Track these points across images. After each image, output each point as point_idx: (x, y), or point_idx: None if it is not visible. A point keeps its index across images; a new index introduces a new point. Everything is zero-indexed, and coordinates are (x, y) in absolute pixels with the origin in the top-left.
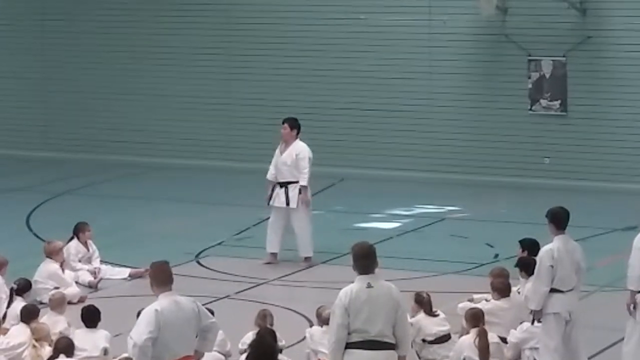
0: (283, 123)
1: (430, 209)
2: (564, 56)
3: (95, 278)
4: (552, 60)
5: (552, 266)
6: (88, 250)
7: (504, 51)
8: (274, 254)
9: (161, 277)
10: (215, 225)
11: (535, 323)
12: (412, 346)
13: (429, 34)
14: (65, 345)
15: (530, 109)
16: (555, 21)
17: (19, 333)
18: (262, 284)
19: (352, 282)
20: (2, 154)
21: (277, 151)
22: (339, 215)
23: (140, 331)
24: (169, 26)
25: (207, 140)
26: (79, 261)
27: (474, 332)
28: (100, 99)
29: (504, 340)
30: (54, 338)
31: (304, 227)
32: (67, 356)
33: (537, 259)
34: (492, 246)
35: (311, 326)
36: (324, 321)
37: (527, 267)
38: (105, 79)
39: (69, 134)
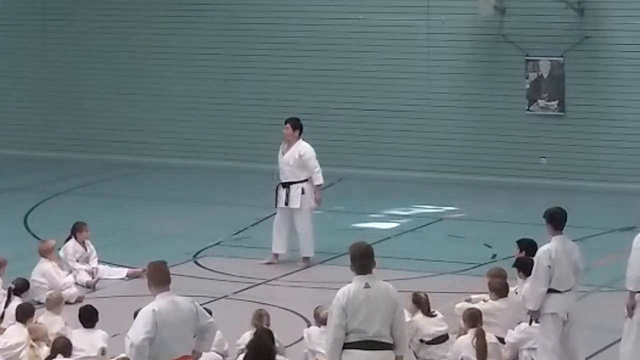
0: (285, 123)
1: (428, 209)
2: (561, 56)
3: (92, 278)
4: (550, 61)
5: (549, 266)
6: (86, 250)
7: (502, 51)
8: (276, 255)
9: (159, 277)
10: (214, 225)
11: (533, 323)
12: (409, 346)
13: (427, 34)
14: (62, 345)
15: (528, 109)
16: (553, 21)
17: (17, 333)
18: (260, 284)
19: (350, 282)
20: (2, 153)
21: (280, 151)
22: (337, 215)
23: (137, 331)
24: (168, 26)
25: (206, 140)
26: (77, 261)
27: (471, 332)
28: (100, 99)
29: (501, 340)
30: (52, 338)
31: (306, 227)
32: (65, 356)
33: (535, 259)
34: (489, 246)
35: (309, 326)
36: (321, 321)
37: (524, 267)
38: (105, 79)
39: (68, 134)
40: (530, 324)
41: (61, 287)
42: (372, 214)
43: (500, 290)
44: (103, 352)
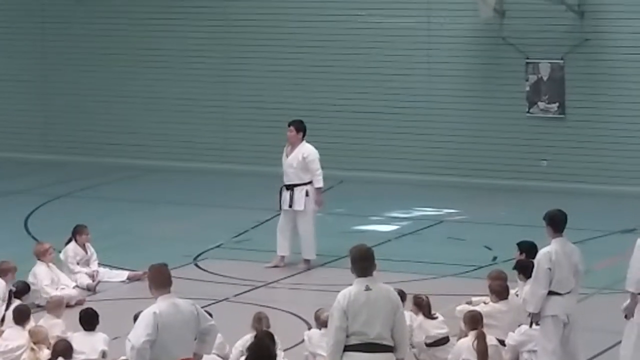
0: (289, 126)
1: (428, 211)
2: (561, 59)
3: (93, 281)
4: (550, 63)
5: (550, 269)
6: (86, 252)
7: (502, 54)
8: (282, 257)
9: (160, 279)
10: (214, 227)
11: (534, 326)
12: (410, 349)
13: (428, 37)
14: (63, 348)
15: (528, 112)
16: (553, 24)
17: (17, 336)
18: (260, 286)
19: (351, 284)
20: (2, 156)
21: (284, 154)
22: (337, 218)
23: (138, 334)
24: (166, 29)
25: (204, 142)
26: (77, 264)
27: (472, 334)
28: (99, 102)
29: (502, 342)
30: (53, 341)
31: (309, 230)
32: (66, 359)
33: (535, 261)
34: (490, 249)
35: (309, 329)
36: (322, 324)
37: (525, 269)
38: (104, 82)
39: (68, 137)
40: (531, 326)
41: (43, 287)
42: (373, 217)
43: (500, 292)
44: (104, 355)
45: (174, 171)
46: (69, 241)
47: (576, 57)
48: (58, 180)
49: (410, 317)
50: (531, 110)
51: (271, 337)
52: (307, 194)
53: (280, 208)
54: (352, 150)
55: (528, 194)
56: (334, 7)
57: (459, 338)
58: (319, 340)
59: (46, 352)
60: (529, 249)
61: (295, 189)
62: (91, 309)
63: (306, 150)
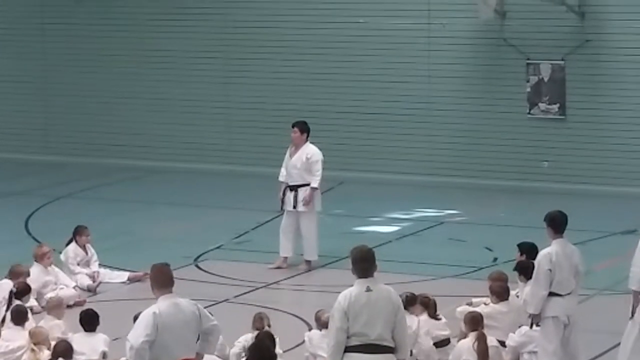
0: (293, 127)
1: (429, 212)
2: (562, 60)
3: (94, 282)
4: (551, 64)
5: (550, 270)
6: (87, 253)
7: (503, 55)
8: (285, 258)
9: (161, 279)
10: (215, 228)
11: (534, 327)
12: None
13: (428, 38)
14: (63, 349)
15: (529, 113)
16: (553, 25)
17: (18, 336)
18: (261, 287)
19: (351, 285)
20: (2, 157)
21: (287, 154)
22: (338, 219)
23: (137, 334)
24: (168, 30)
25: (206, 143)
26: (78, 264)
27: (472, 335)
28: (100, 103)
29: (502, 344)
30: (53, 342)
31: (312, 231)
32: (65, 359)
33: (536, 262)
34: (490, 250)
35: (310, 330)
36: (323, 325)
37: (525, 270)
38: (105, 83)
39: (69, 138)
40: (531, 327)
41: (39, 288)
42: (373, 218)
43: (501, 293)
44: (104, 355)
45: (175, 172)
46: (70, 242)
47: (577, 58)
48: (58, 181)
49: (418, 323)
50: (532, 112)
51: (271, 337)
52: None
53: (283, 209)
54: (352, 151)
55: (529, 195)
56: (336, 10)
57: (459, 339)
58: (319, 341)
59: (46, 353)
60: (529, 250)
61: (299, 189)
62: (91, 309)
63: (310, 151)
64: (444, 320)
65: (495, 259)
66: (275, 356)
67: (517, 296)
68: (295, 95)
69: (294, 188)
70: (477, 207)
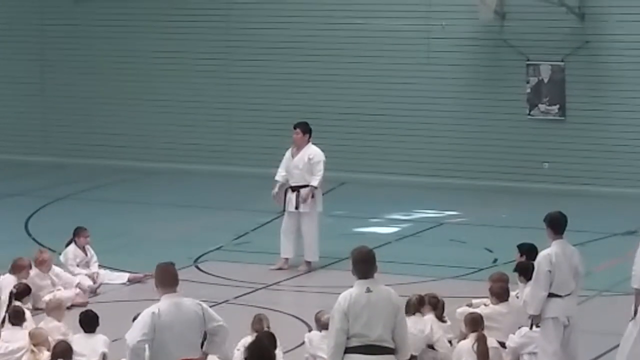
0: (295, 128)
1: (429, 213)
2: (562, 61)
3: (94, 282)
4: (551, 65)
5: (550, 271)
6: (86, 254)
7: (503, 56)
8: (286, 259)
9: (164, 278)
10: (215, 229)
11: (534, 328)
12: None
13: (428, 39)
14: (62, 350)
15: (529, 114)
16: (553, 26)
17: (18, 337)
18: (261, 288)
19: (351, 286)
20: (2, 158)
21: (288, 155)
22: (338, 220)
23: (134, 333)
24: (169, 31)
25: (207, 145)
26: (77, 266)
27: (472, 337)
28: (100, 104)
29: (502, 345)
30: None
31: (313, 232)
32: None
33: (535, 263)
34: (490, 251)
35: (310, 331)
36: (323, 326)
37: (525, 271)
38: (104, 84)
39: (68, 139)
40: (531, 328)
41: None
42: (373, 219)
43: (500, 294)
44: (104, 357)
45: (175, 173)
46: (69, 243)
47: (577, 59)
48: (58, 182)
49: (431, 327)
50: (532, 113)
51: (271, 337)
52: (312, 196)
53: (285, 210)
54: (353, 152)
55: (529, 196)
56: (337, 12)
57: (459, 340)
58: (319, 342)
59: (46, 354)
60: (529, 251)
61: (301, 190)
62: (91, 310)
63: (312, 152)
64: (449, 322)
65: (495, 260)
66: (273, 356)
67: (517, 297)
68: (296, 97)
69: (296, 189)
70: (477, 208)
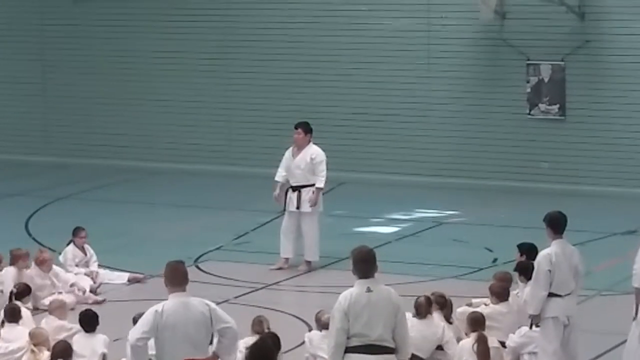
0: (296, 128)
1: (429, 213)
2: (562, 60)
3: (94, 282)
4: (551, 65)
5: (550, 271)
6: (85, 254)
7: (503, 55)
8: (286, 259)
9: (173, 277)
10: (215, 229)
11: (534, 327)
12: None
13: (427, 38)
14: (62, 349)
15: (529, 113)
16: (553, 25)
17: (18, 337)
18: (261, 288)
19: (352, 286)
20: (3, 158)
21: (289, 155)
22: (338, 220)
23: (135, 331)
24: (168, 31)
25: (206, 144)
26: (76, 265)
27: (473, 336)
28: (101, 104)
29: (503, 344)
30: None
31: (313, 231)
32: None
33: (535, 263)
34: (491, 250)
35: (310, 330)
36: (323, 325)
37: (525, 271)
38: (105, 84)
39: (69, 139)
40: (531, 328)
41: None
42: (373, 218)
43: (500, 294)
44: (104, 357)
45: (176, 173)
46: (69, 243)
47: (577, 58)
48: (59, 182)
49: (444, 330)
50: (532, 112)
51: (275, 339)
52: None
53: (285, 209)
54: (352, 152)
55: (529, 195)
56: (335, 11)
57: (459, 340)
58: (319, 342)
59: (46, 354)
60: (529, 251)
61: (302, 190)
62: (91, 310)
63: (314, 151)
64: (456, 323)
65: (495, 260)
66: (275, 356)
67: (518, 296)
68: (296, 97)
69: (297, 189)
70: (477, 207)
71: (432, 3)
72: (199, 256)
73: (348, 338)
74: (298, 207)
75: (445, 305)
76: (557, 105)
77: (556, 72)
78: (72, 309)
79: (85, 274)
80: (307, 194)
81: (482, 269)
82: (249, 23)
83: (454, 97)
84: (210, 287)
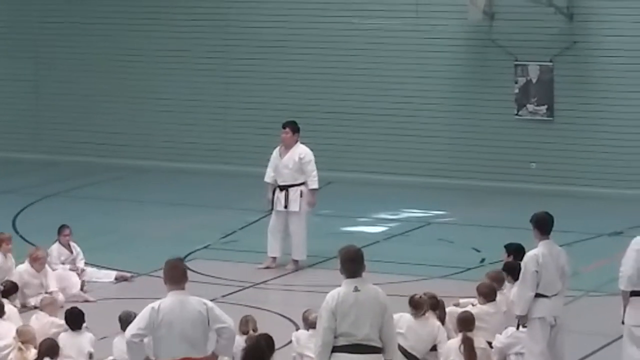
0: (284, 127)
1: (417, 213)
2: (550, 61)
3: (79, 276)
4: (539, 65)
5: (537, 271)
6: (71, 252)
7: (491, 56)
8: (273, 258)
9: (171, 274)
10: (202, 228)
11: (521, 328)
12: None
13: (416, 39)
14: (48, 347)
15: (517, 114)
16: (542, 26)
17: (5, 335)
18: (248, 287)
19: (339, 285)
20: None
21: (276, 154)
22: (325, 219)
23: (131, 327)
24: (163, 29)
25: (196, 143)
26: (62, 263)
27: (459, 337)
28: (92, 102)
29: (490, 344)
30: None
31: (300, 231)
32: (52, 358)
33: (522, 264)
34: (478, 251)
35: (297, 329)
36: (310, 325)
37: (512, 271)
38: (97, 81)
39: (59, 136)
40: (518, 328)
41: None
42: (361, 218)
43: (488, 294)
44: (91, 356)
45: (165, 171)
46: (56, 241)
47: (565, 59)
48: (48, 179)
49: (439, 329)
50: (520, 113)
51: (269, 340)
52: (301, 195)
53: (273, 209)
54: (340, 151)
55: (516, 196)
56: (327, 11)
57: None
58: (307, 341)
59: (33, 352)
60: (516, 251)
61: (290, 189)
62: (76, 308)
63: (302, 151)
64: (450, 327)
65: (483, 260)
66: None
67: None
68: (284, 95)
69: (284, 188)
70: (464, 207)
71: (420, 3)
72: (187, 254)
73: (335, 337)
74: (286, 207)
75: (437, 306)
76: (545, 106)
77: (544, 73)
78: (62, 307)
79: (70, 269)
80: (294, 193)
81: (469, 269)
82: (245, 22)
83: (442, 97)
84: (198, 285)
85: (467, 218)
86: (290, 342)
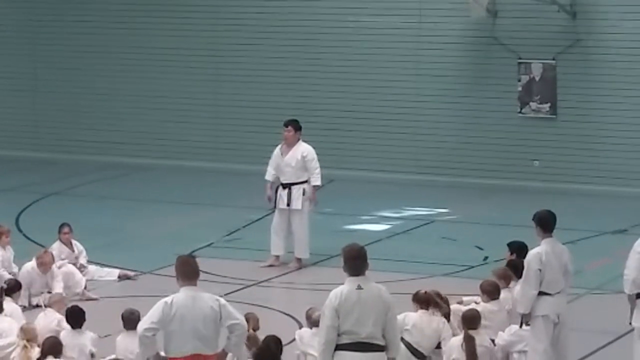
0: (287, 126)
1: (420, 211)
2: (553, 59)
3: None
4: (542, 63)
5: (540, 269)
6: (73, 251)
7: (494, 54)
8: (277, 256)
9: (184, 270)
10: (205, 226)
11: (524, 326)
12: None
13: (419, 36)
14: (50, 345)
15: (520, 112)
16: (545, 24)
17: (9, 333)
18: (251, 285)
19: (342, 283)
20: None
21: (277, 152)
22: (328, 217)
23: (143, 321)
24: (157, 27)
25: (196, 141)
26: (62, 260)
27: (462, 335)
28: (90, 100)
29: (494, 342)
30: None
31: (304, 229)
32: (55, 357)
33: (525, 262)
34: (481, 249)
35: (300, 328)
36: (313, 323)
37: (515, 269)
38: (94, 80)
39: (58, 135)
40: (521, 326)
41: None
42: (364, 216)
43: (491, 292)
44: (92, 355)
45: (166, 169)
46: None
47: (568, 57)
48: (48, 178)
49: (444, 325)
50: (523, 111)
51: (278, 343)
52: (304, 193)
53: (276, 207)
54: (342, 149)
55: (519, 194)
56: (325, 8)
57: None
58: (310, 339)
59: (37, 350)
60: (519, 249)
61: (293, 187)
62: (77, 306)
63: (305, 149)
64: (455, 324)
65: (486, 258)
66: None
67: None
68: (284, 94)
69: (287, 186)
70: (467, 205)
71: (424, 1)
72: (190, 253)
73: (338, 335)
74: (288, 205)
75: (440, 306)
76: (548, 104)
77: (547, 71)
78: (66, 305)
79: (69, 263)
80: (297, 191)
81: (472, 266)
82: (237, 20)
83: (445, 95)
84: (202, 283)
85: (470, 216)
86: (294, 340)
